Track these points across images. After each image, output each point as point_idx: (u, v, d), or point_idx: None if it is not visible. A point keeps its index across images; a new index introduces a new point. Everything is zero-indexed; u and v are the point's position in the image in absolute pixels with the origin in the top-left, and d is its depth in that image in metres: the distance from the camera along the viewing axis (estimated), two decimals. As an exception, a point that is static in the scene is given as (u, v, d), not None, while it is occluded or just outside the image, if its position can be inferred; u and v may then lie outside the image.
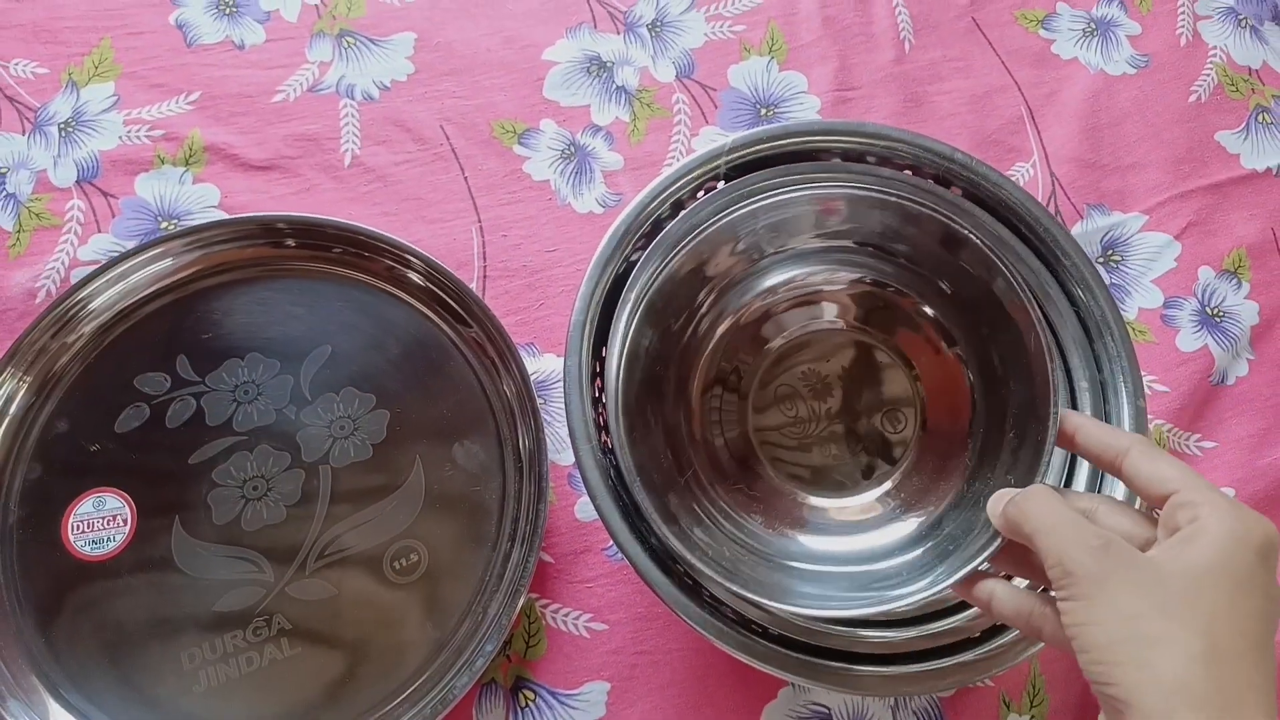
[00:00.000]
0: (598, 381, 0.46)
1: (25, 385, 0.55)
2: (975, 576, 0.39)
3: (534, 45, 0.69)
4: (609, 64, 0.69)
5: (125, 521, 0.53)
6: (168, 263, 0.58)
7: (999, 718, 0.54)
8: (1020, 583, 0.41)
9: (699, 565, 0.39)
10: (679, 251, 0.47)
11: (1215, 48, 0.74)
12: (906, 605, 0.39)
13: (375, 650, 0.51)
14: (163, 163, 0.62)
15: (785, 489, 0.51)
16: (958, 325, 0.50)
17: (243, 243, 0.58)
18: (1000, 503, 0.37)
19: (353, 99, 0.66)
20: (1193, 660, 0.29)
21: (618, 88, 0.68)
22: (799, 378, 0.53)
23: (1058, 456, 0.50)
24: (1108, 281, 0.64)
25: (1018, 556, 0.38)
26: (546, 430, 0.55)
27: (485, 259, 0.62)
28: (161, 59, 0.65)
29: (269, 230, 0.58)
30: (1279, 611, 0.32)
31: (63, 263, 0.59)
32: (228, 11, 0.67)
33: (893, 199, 0.47)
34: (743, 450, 0.51)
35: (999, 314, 0.45)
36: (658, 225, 0.49)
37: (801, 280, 0.52)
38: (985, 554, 0.38)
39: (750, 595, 0.39)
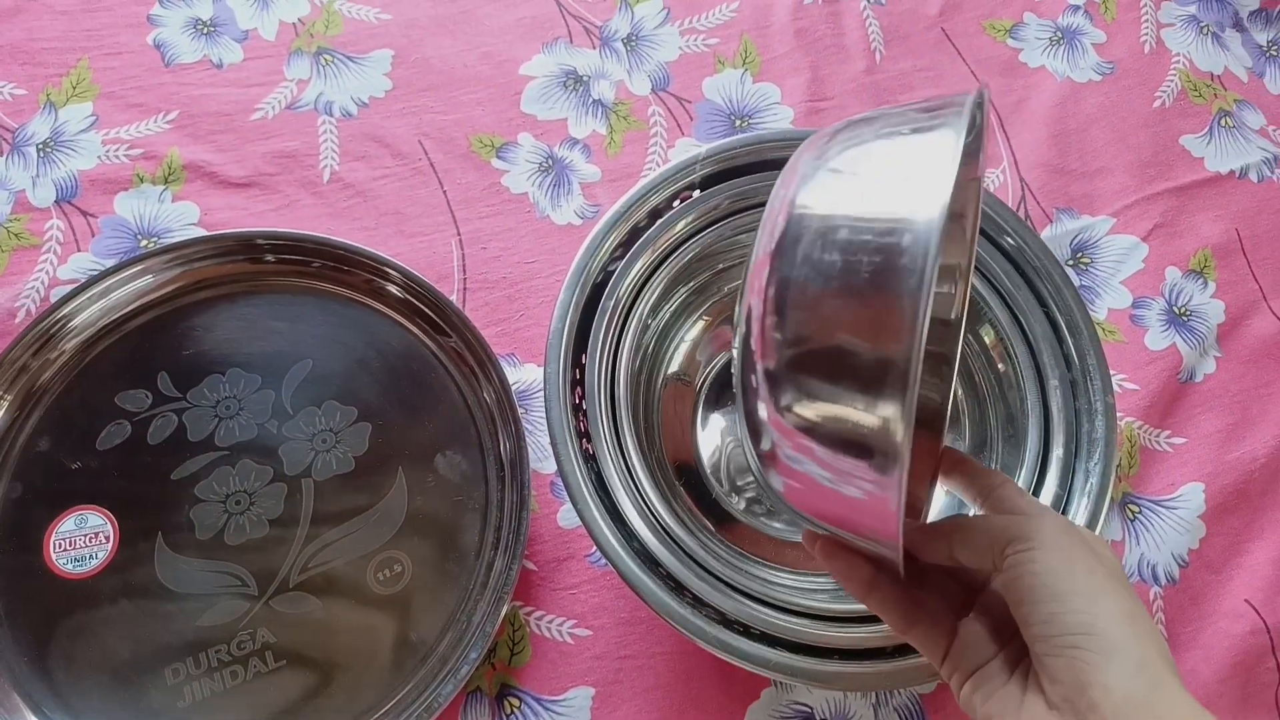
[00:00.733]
0: (578, 389, 0.46)
1: (6, 403, 0.55)
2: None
3: (511, 60, 0.70)
4: (585, 78, 0.70)
5: (108, 539, 0.53)
6: (148, 280, 0.58)
7: (980, 714, 0.55)
8: None
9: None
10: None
11: (1178, 54, 0.76)
12: None
13: (360, 661, 0.52)
14: (142, 181, 0.63)
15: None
16: None
17: (222, 259, 0.59)
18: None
19: (331, 116, 0.66)
20: (1130, 602, 0.32)
21: (594, 101, 0.69)
22: None
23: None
24: (1077, 283, 0.65)
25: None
26: (528, 439, 0.56)
27: (465, 271, 0.63)
28: (140, 79, 0.66)
29: (248, 246, 0.59)
30: None
31: (42, 282, 0.59)
32: (205, 31, 0.68)
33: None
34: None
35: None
36: (635, 233, 0.50)
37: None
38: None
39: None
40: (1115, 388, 0.50)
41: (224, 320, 0.58)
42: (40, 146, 0.63)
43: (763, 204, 0.53)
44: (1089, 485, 0.48)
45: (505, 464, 0.56)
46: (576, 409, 0.46)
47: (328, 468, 0.55)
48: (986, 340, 0.55)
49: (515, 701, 0.53)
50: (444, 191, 0.65)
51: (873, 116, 0.34)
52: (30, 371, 0.55)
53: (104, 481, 0.54)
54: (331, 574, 0.53)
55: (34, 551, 0.52)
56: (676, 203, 0.51)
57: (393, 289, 0.59)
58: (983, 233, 0.54)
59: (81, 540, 0.52)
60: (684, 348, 0.56)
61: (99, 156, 0.63)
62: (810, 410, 0.30)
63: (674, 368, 0.56)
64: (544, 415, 0.58)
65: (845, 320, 0.29)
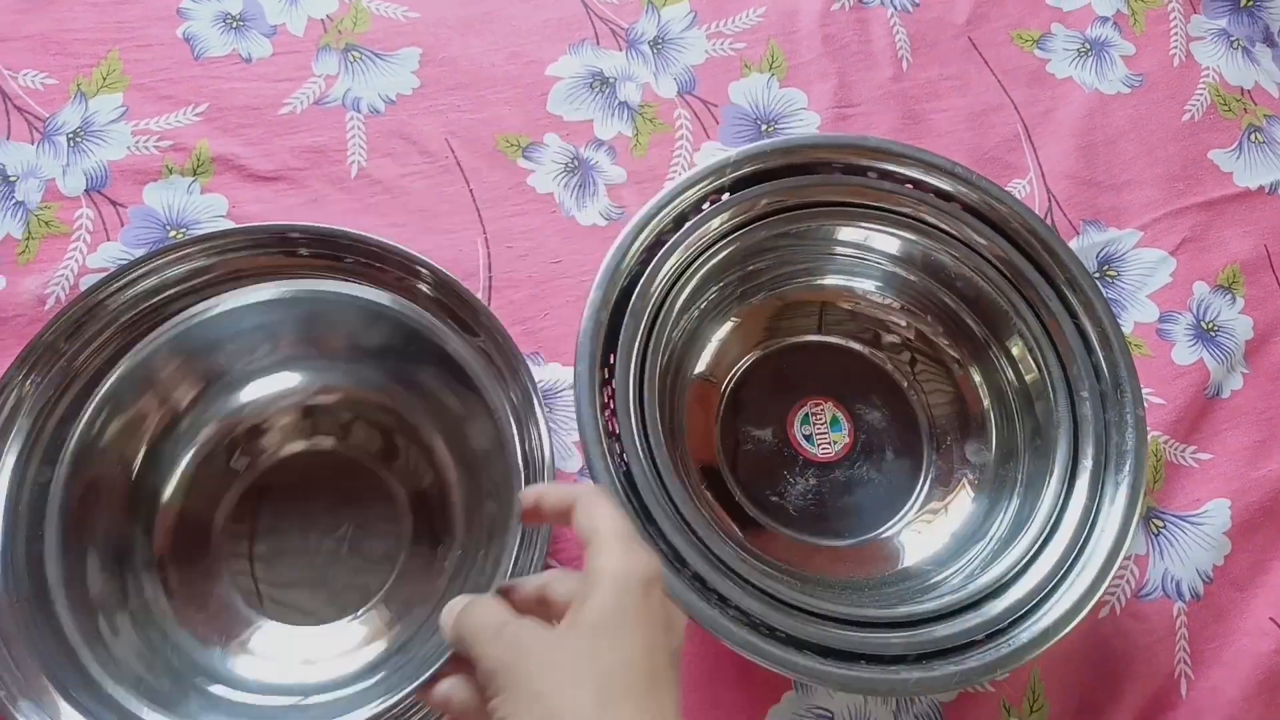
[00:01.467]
0: (607, 388, 0.46)
1: (36, 389, 0.55)
2: (431, 682, 0.35)
3: (538, 61, 0.70)
4: (611, 79, 0.70)
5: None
6: (179, 269, 0.58)
7: (1000, 726, 0.54)
8: None
9: None
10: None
11: (1208, 68, 0.76)
12: None
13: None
14: (171, 173, 0.63)
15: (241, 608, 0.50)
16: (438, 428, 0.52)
17: (255, 251, 0.59)
18: (450, 615, 0.35)
19: (359, 112, 0.67)
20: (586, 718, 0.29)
21: (620, 103, 0.69)
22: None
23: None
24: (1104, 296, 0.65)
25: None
26: (553, 438, 0.55)
27: (491, 270, 0.63)
28: (169, 71, 0.66)
29: (282, 240, 0.59)
30: (677, 638, 0.32)
31: (72, 270, 0.59)
32: (234, 25, 0.68)
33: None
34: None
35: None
36: (666, 233, 0.50)
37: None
38: (436, 665, 0.35)
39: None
40: (1144, 399, 0.50)
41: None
42: (71, 136, 0.63)
43: (795, 207, 0.54)
44: (1118, 497, 0.48)
45: (531, 463, 0.56)
46: (604, 407, 0.46)
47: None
48: (1014, 351, 0.54)
49: (533, 702, 0.53)
50: (470, 190, 0.65)
51: None
52: (63, 357, 0.55)
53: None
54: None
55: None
56: (706, 205, 0.51)
57: (423, 287, 0.59)
58: (1014, 243, 0.53)
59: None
60: (711, 348, 0.56)
61: (129, 147, 0.63)
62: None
63: (700, 368, 0.56)
64: (567, 414, 0.59)
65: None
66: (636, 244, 0.49)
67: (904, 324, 0.58)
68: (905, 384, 0.57)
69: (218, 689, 0.48)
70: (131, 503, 0.51)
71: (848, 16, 0.74)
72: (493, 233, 0.64)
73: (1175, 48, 0.76)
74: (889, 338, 0.58)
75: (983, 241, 0.54)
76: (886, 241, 0.56)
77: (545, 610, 0.34)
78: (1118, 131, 0.72)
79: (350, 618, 0.52)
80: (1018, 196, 0.68)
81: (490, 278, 0.63)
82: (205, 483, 0.53)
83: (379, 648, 0.50)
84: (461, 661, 0.34)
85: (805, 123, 0.70)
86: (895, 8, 0.75)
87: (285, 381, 0.54)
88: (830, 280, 0.58)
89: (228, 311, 0.50)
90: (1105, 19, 0.77)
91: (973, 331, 0.56)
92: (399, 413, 0.55)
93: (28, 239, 0.60)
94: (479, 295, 0.61)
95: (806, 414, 0.56)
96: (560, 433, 0.58)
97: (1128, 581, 0.59)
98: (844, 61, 0.73)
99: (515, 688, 0.31)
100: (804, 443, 0.56)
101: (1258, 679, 0.56)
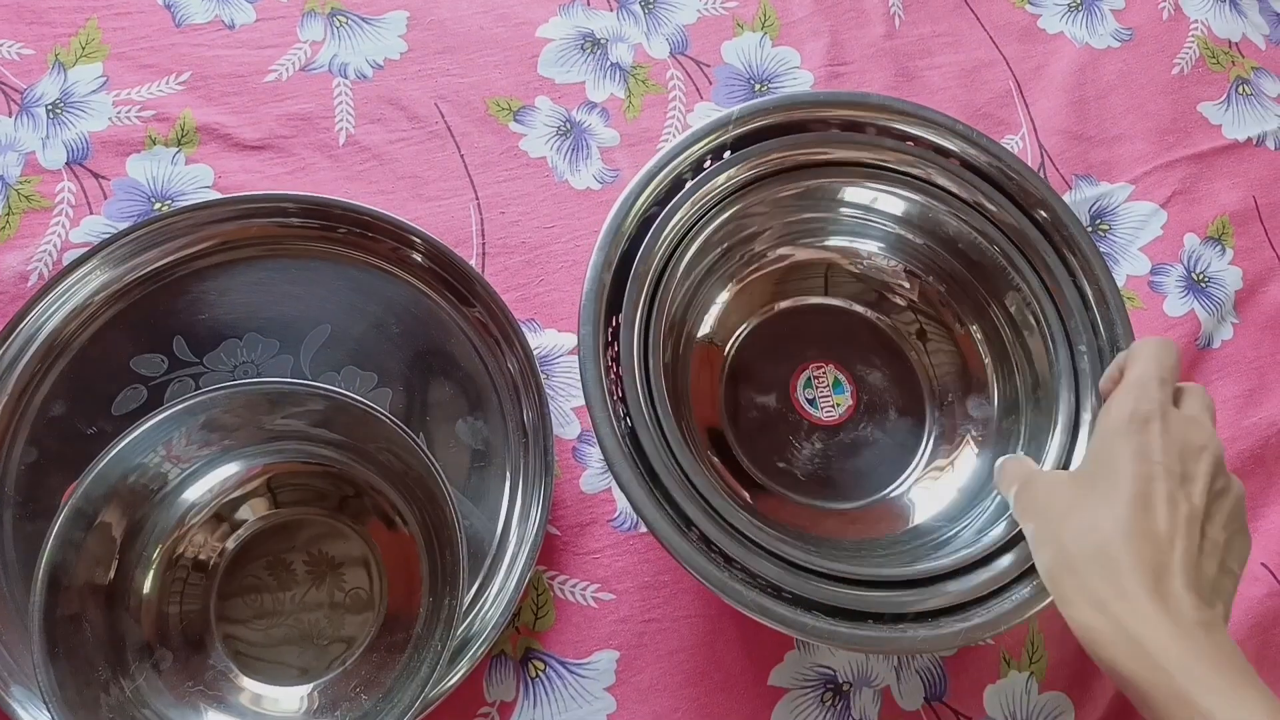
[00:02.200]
0: (610, 350, 0.46)
1: (20, 368, 0.54)
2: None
3: (527, 22, 0.69)
4: (603, 41, 0.69)
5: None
6: (164, 243, 0.57)
7: (1000, 674, 0.55)
8: None
9: None
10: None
11: (1196, 21, 0.75)
12: None
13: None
14: (154, 143, 0.61)
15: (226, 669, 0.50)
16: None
17: (244, 222, 0.58)
18: (997, 469, 0.48)
19: (346, 78, 0.65)
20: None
21: (612, 64, 0.68)
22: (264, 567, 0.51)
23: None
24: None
25: None
26: (550, 405, 0.55)
27: (484, 236, 0.62)
28: (150, 39, 0.64)
29: (274, 210, 0.58)
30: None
31: (55, 245, 0.58)
32: (215, -10, 0.67)
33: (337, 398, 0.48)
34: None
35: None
36: (667, 194, 0.50)
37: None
38: None
39: None
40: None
41: (240, 284, 0.58)
42: (50, 107, 0.62)
43: (798, 166, 0.53)
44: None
45: (528, 430, 0.56)
46: (609, 370, 0.45)
47: (349, 433, 0.55)
48: (1011, 309, 0.55)
49: (540, 665, 0.53)
50: (461, 155, 0.64)
51: None
52: (44, 335, 0.55)
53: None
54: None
55: (49, 517, 0.51)
56: (708, 163, 0.51)
57: (417, 256, 0.58)
58: (1014, 201, 0.53)
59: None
60: (714, 310, 0.56)
61: (110, 118, 0.62)
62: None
63: (704, 330, 0.56)
64: (565, 381, 0.59)
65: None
66: (639, 204, 0.49)
67: (907, 285, 0.58)
68: (905, 344, 0.57)
69: None
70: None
71: (838, -27, 0.73)
72: (485, 198, 0.63)
73: (1164, 1, 0.76)
74: (893, 299, 0.58)
75: (984, 200, 0.53)
76: (891, 202, 0.56)
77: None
78: (1108, 86, 0.72)
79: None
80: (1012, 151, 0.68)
81: (483, 244, 0.62)
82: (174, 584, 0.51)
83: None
84: None
85: (798, 81, 0.69)
86: (885, -36, 0.74)
87: (226, 472, 0.52)
88: (834, 241, 0.58)
89: (144, 433, 0.48)
90: (1095, -28, 0.77)
91: (976, 289, 0.55)
92: (341, 473, 0.53)
93: (8, 214, 0.59)
94: (472, 262, 0.61)
95: (809, 377, 0.56)
96: (558, 399, 0.58)
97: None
98: (836, 19, 0.72)
99: (1036, 531, 0.42)
100: (808, 406, 0.56)
101: (1250, 623, 0.57)
